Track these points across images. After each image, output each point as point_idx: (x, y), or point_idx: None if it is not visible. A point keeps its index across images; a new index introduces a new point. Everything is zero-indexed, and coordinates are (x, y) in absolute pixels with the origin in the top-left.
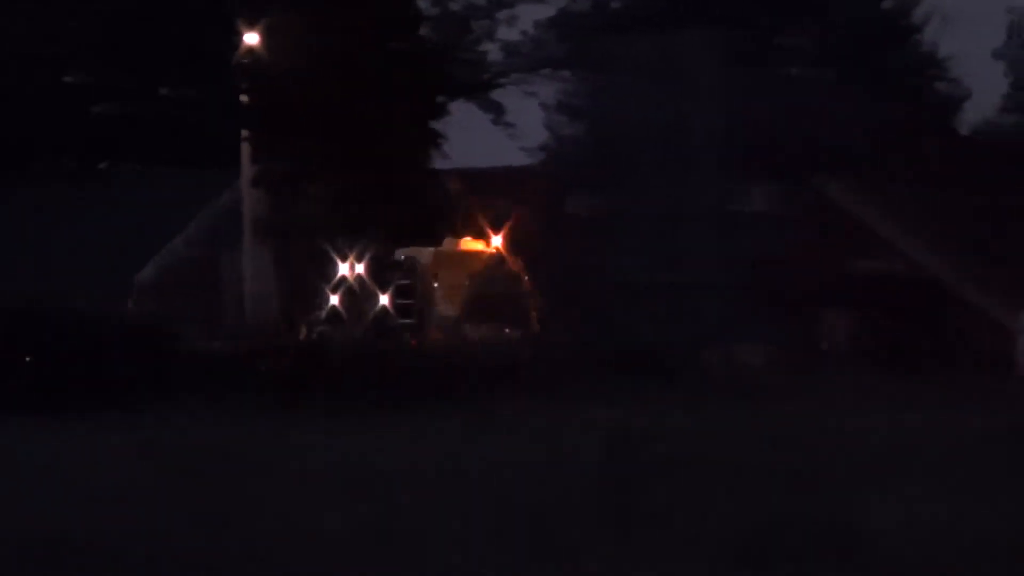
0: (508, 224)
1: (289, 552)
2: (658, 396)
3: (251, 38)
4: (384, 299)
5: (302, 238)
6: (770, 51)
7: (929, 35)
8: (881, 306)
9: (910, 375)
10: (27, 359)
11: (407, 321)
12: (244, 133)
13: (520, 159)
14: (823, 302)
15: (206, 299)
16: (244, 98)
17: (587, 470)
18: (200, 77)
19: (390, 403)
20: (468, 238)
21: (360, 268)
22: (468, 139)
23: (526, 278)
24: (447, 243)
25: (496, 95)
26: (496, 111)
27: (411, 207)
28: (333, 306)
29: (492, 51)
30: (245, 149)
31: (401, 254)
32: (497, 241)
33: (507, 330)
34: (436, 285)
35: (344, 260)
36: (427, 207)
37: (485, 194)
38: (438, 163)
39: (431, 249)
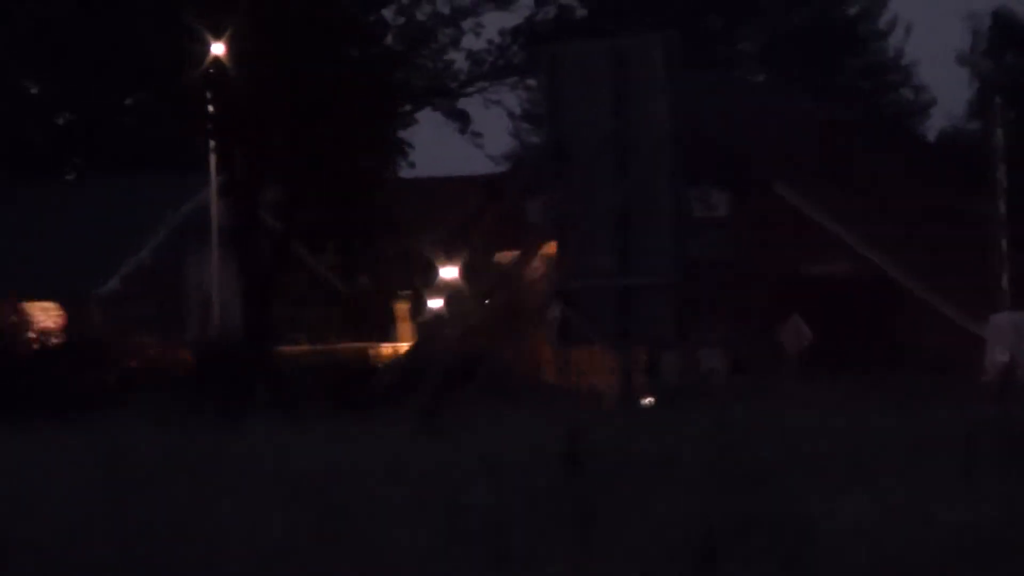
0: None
1: (230, 558)
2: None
3: (216, 48)
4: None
5: (268, 246)
6: (722, 55)
7: (894, 41)
8: (835, 309)
9: (866, 378)
10: None
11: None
12: (211, 143)
13: (487, 167)
14: (777, 306)
15: (171, 308)
16: (209, 107)
17: (545, 472)
18: (163, 87)
19: (343, 408)
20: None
21: (455, 273)
22: (434, 148)
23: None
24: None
25: (463, 104)
26: (462, 120)
27: (373, 215)
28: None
29: (458, 60)
30: (212, 158)
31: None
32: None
33: None
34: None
35: (443, 264)
36: (389, 215)
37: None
38: (404, 172)
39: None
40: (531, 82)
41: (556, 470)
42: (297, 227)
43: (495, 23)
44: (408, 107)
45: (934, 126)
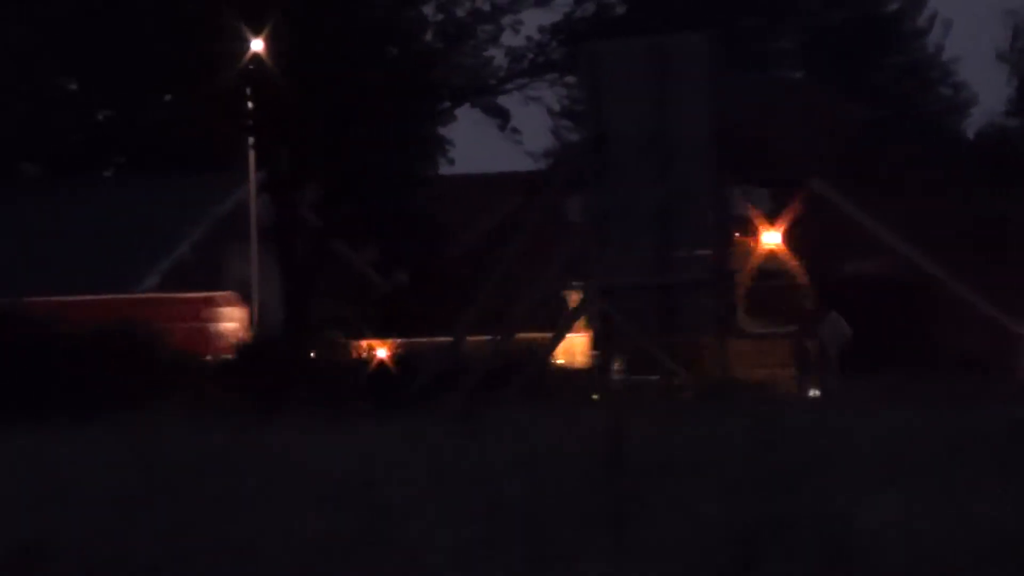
0: (783, 221)
1: (273, 556)
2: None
3: (256, 45)
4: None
5: (309, 244)
6: (760, 54)
7: (933, 38)
8: (873, 307)
9: (904, 377)
10: (10, 366)
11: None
12: (250, 140)
13: (526, 164)
14: (818, 304)
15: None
16: (249, 104)
17: (582, 473)
18: (204, 85)
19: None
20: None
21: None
22: (473, 145)
23: (802, 273)
24: None
25: (503, 102)
26: (502, 117)
27: (413, 212)
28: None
29: (497, 57)
30: (252, 156)
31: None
32: (773, 237)
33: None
34: None
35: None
36: (429, 216)
37: (493, 199)
38: (443, 169)
39: None
40: (570, 79)
41: (596, 469)
42: (337, 224)
43: (534, 20)
44: (447, 104)
45: (973, 124)
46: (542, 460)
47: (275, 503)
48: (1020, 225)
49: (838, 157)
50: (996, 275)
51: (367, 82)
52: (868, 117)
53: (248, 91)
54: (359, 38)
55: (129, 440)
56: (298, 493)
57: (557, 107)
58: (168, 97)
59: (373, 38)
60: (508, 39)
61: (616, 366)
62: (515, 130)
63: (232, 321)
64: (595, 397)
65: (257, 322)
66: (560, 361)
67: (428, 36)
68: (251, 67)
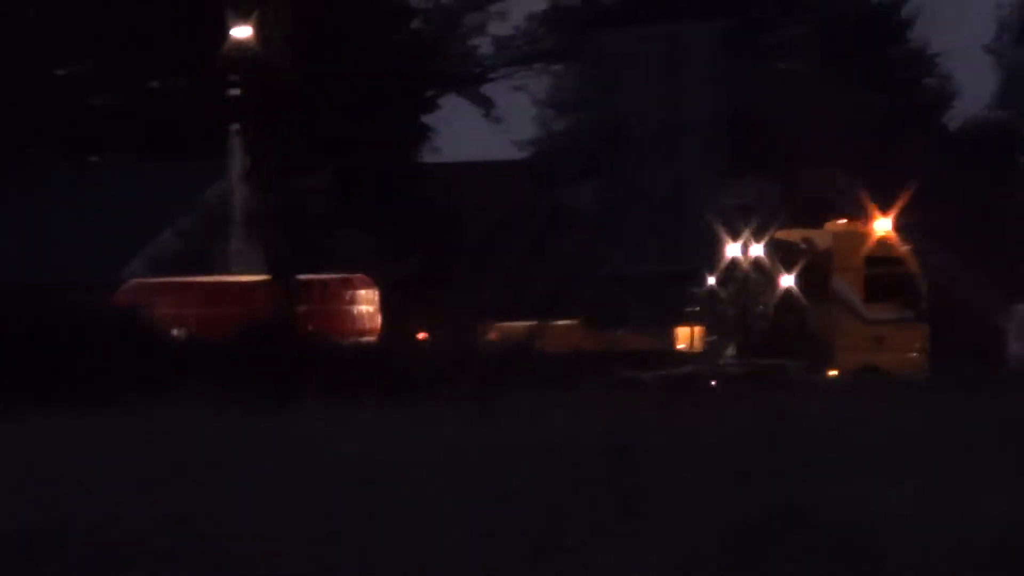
0: (896, 205)
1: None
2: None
3: (242, 31)
4: (789, 283)
5: (293, 231)
6: (763, 44)
7: (919, 31)
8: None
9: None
10: (12, 349)
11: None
12: (235, 126)
13: (510, 153)
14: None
15: None
16: (235, 91)
17: (585, 460)
18: (191, 71)
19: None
20: (841, 220)
21: (757, 250)
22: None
23: (915, 259)
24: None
25: (486, 89)
26: (486, 105)
27: (401, 200)
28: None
29: (483, 45)
30: (236, 142)
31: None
32: (885, 222)
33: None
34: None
35: (734, 240)
36: (418, 200)
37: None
38: (427, 157)
39: (827, 232)
40: (558, 68)
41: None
42: (328, 212)
43: (521, 8)
44: (431, 92)
45: (958, 115)
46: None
47: (290, 487)
48: (1006, 215)
49: (844, 145)
50: (984, 264)
51: (358, 70)
52: (873, 106)
53: (237, 78)
54: (355, 25)
55: (147, 425)
56: (312, 477)
57: (543, 95)
58: (156, 83)
59: (364, 26)
60: (495, 28)
61: (729, 351)
62: (500, 119)
63: (368, 304)
64: (712, 384)
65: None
66: (680, 346)
67: (416, 24)
68: (238, 54)
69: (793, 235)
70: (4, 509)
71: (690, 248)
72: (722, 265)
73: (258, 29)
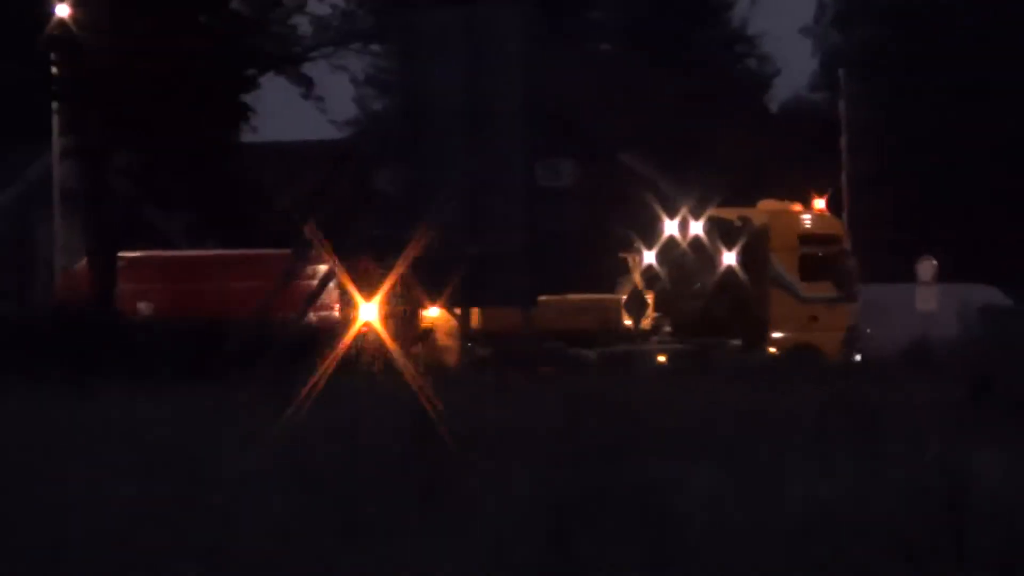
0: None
1: (67, 527)
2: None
3: (62, 10)
4: (730, 261)
5: (113, 211)
6: (574, 27)
7: (739, 12)
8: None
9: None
10: None
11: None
12: (55, 105)
13: (331, 133)
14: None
15: (19, 274)
16: (54, 70)
17: (391, 445)
18: (9, 49)
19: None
20: (770, 200)
21: (696, 228)
22: (280, 113)
23: (846, 239)
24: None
25: (306, 69)
26: (306, 85)
27: (221, 180)
28: (649, 266)
29: (302, 25)
30: (56, 121)
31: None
32: (819, 202)
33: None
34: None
35: (670, 218)
36: (237, 180)
37: (299, 168)
38: (247, 137)
39: (762, 211)
40: (376, 48)
41: (408, 442)
42: (147, 192)
43: None
44: (252, 72)
45: (777, 97)
46: (359, 431)
47: (90, 469)
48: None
49: (649, 129)
50: None
51: (178, 49)
52: (680, 89)
53: (54, 56)
54: (170, 4)
55: None
56: (112, 459)
57: (362, 76)
58: None
59: (184, 4)
60: (314, 7)
61: (665, 328)
62: (319, 98)
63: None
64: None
65: (60, 288)
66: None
67: (236, 3)
68: (57, 32)
69: (729, 213)
70: None
71: (497, 233)
72: (659, 242)
73: (75, 7)
